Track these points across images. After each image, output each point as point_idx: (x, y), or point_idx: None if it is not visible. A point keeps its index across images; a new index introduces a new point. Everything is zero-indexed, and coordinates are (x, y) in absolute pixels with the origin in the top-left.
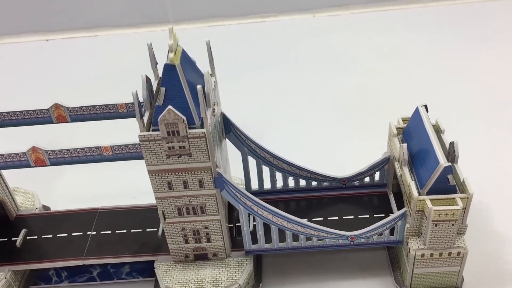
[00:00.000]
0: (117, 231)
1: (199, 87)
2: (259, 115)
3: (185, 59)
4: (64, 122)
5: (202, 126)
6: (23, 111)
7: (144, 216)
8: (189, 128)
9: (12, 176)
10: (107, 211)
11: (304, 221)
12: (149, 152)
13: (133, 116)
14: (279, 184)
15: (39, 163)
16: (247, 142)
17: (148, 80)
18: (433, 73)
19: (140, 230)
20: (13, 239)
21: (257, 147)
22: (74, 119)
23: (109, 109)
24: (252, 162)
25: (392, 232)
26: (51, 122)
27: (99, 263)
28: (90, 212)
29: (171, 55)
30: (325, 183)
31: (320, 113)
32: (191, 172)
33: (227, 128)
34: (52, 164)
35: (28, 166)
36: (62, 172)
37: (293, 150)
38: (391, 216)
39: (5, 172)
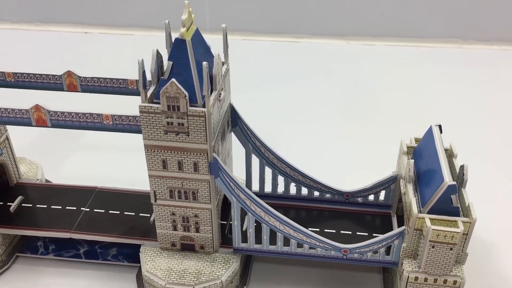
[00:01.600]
0: (110, 211)
1: (204, 63)
2: (274, 125)
3: (198, 39)
4: (74, 91)
5: (204, 106)
6: (36, 74)
7: (140, 201)
8: (190, 106)
9: (20, 147)
10: (105, 191)
11: (297, 225)
12: (147, 125)
13: None
14: (280, 189)
15: (40, 123)
16: (252, 139)
17: (159, 55)
18: (455, 110)
19: (133, 214)
20: (8, 204)
21: (262, 146)
22: (85, 89)
23: (120, 83)
24: (255, 162)
25: (388, 252)
26: (62, 90)
27: (86, 238)
28: (88, 189)
29: (183, 29)
30: (328, 195)
31: (334, 129)
32: (187, 153)
33: (234, 121)
34: (53, 125)
35: (30, 124)
36: (69, 152)
37: (300, 160)
38: (388, 234)
39: (14, 143)
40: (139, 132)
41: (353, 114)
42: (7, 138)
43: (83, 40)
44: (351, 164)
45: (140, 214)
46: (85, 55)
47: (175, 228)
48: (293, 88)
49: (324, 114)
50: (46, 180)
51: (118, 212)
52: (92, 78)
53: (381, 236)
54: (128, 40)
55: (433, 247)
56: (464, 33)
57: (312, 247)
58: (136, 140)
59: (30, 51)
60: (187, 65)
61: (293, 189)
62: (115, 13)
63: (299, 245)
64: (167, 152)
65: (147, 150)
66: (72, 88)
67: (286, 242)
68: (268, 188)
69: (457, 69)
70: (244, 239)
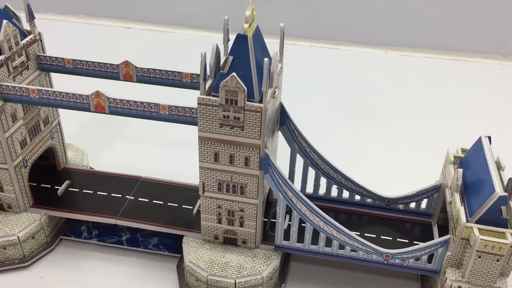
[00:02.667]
0: (154, 201)
1: (266, 59)
2: (313, 129)
3: (258, 36)
4: (130, 81)
5: (260, 102)
6: (94, 62)
7: (182, 193)
8: (248, 101)
9: (67, 134)
10: (149, 181)
11: (341, 226)
12: (204, 117)
13: (196, 88)
14: (322, 191)
15: (99, 109)
16: (299, 139)
17: (218, 50)
18: (496, 124)
19: (176, 205)
20: (55, 187)
21: (307, 146)
22: (140, 80)
23: (174, 76)
24: (299, 162)
25: (430, 260)
26: (118, 79)
27: (130, 226)
28: (133, 179)
29: (246, 25)
30: (369, 200)
31: (371, 136)
32: (240, 147)
33: (283, 119)
34: (111, 112)
35: (88, 110)
36: (110, 142)
37: (339, 164)
38: (432, 241)
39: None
40: (193, 124)
41: (390, 122)
42: (59, 124)
43: (124, 34)
44: (391, 171)
45: (183, 206)
46: (125, 49)
47: (219, 221)
48: (330, 93)
49: (362, 120)
50: (90, 168)
51: (162, 203)
52: (148, 69)
53: (425, 243)
54: (168, 38)
55: (479, 257)
56: (505, 50)
57: (354, 250)
58: (176, 133)
59: (73, 42)
60: (247, 61)
61: (334, 192)
62: (157, 10)
63: (341, 247)
64: (220, 145)
65: (201, 142)
66: (127, 78)
67: (328, 243)
68: (309, 189)
69: (497, 85)
70: (286, 237)
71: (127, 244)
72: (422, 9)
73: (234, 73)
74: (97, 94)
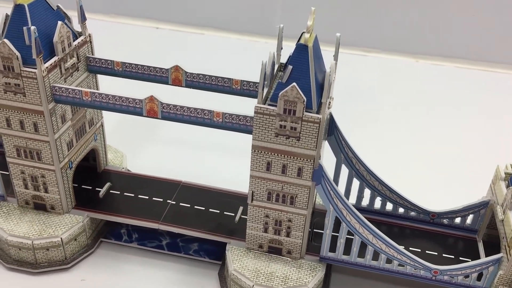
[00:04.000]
0: (195, 206)
1: (328, 71)
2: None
3: (316, 46)
4: (178, 86)
5: (318, 113)
6: (144, 65)
7: (223, 199)
8: (306, 111)
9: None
10: (189, 186)
11: (390, 240)
12: (259, 126)
13: (245, 95)
14: (365, 202)
15: (151, 114)
16: (345, 149)
17: (274, 59)
18: None
19: (218, 211)
20: (96, 189)
21: (354, 157)
22: (189, 85)
23: (224, 82)
24: (343, 172)
25: (479, 278)
26: (166, 83)
27: (173, 231)
28: (173, 183)
29: (307, 35)
30: (412, 213)
31: (413, 143)
32: (294, 157)
33: (331, 129)
34: (163, 117)
35: (140, 114)
36: (145, 143)
37: (383, 174)
38: (484, 259)
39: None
40: (247, 132)
41: (432, 134)
42: (102, 125)
43: (153, 34)
44: (433, 184)
45: (225, 213)
46: (154, 49)
47: (266, 230)
48: (369, 101)
49: (401, 130)
50: (127, 169)
51: (203, 208)
52: (198, 74)
53: (476, 261)
54: (198, 39)
55: None
56: None
57: (401, 264)
58: (211, 138)
59: (103, 40)
60: (306, 71)
61: (377, 203)
62: (187, 12)
63: (388, 261)
64: (274, 154)
65: (254, 151)
66: (176, 83)
67: (375, 256)
68: (352, 200)
69: None
70: (331, 248)
71: (167, 249)
72: (455, 18)
73: (294, 84)
74: (151, 99)
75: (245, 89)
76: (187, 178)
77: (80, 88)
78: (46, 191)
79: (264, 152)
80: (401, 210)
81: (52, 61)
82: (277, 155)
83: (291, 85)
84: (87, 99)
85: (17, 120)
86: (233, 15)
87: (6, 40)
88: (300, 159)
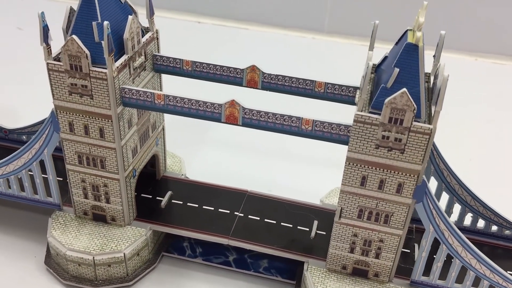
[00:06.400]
0: (265, 220)
1: (445, 75)
2: None
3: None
4: (253, 87)
5: (428, 123)
6: (216, 65)
7: (294, 211)
8: (414, 121)
9: None
10: (256, 196)
11: (497, 266)
12: (357, 137)
13: (328, 99)
14: (453, 217)
15: (231, 120)
16: (436, 160)
17: (370, 65)
18: None
19: (291, 225)
20: (157, 198)
21: (445, 169)
22: (265, 87)
23: (306, 84)
24: (432, 185)
25: None
26: (240, 85)
27: (245, 247)
28: (239, 192)
29: (419, 34)
30: (507, 232)
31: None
32: (394, 172)
33: None
34: (244, 124)
35: (218, 120)
36: (199, 146)
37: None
38: None
39: None
40: (340, 142)
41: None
42: (163, 129)
43: (195, 29)
44: None
45: (298, 227)
46: (195, 43)
47: (352, 251)
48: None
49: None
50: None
51: (274, 222)
52: (277, 75)
53: None
54: (241, 34)
55: None
56: None
57: None
58: (267, 141)
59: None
60: (415, 74)
61: (467, 220)
62: (230, 6)
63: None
64: (371, 168)
65: (348, 164)
66: (251, 84)
67: (476, 282)
68: None
69: None
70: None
71: (235, 265)
72: None
73: (405, 89)
74: (232, 103)
75: (329, 93)
76: (247, 186)
77: (152, 91)
78: (107, 201)
79: (360, 165)
80: (494, 228)
81: (122, 60)
82: (375, 168)
83: (402, 90)
84: (159, 103)
85: (81, 124)
86: (277, 10)
87: (75, 37)
88: (402, 173)
